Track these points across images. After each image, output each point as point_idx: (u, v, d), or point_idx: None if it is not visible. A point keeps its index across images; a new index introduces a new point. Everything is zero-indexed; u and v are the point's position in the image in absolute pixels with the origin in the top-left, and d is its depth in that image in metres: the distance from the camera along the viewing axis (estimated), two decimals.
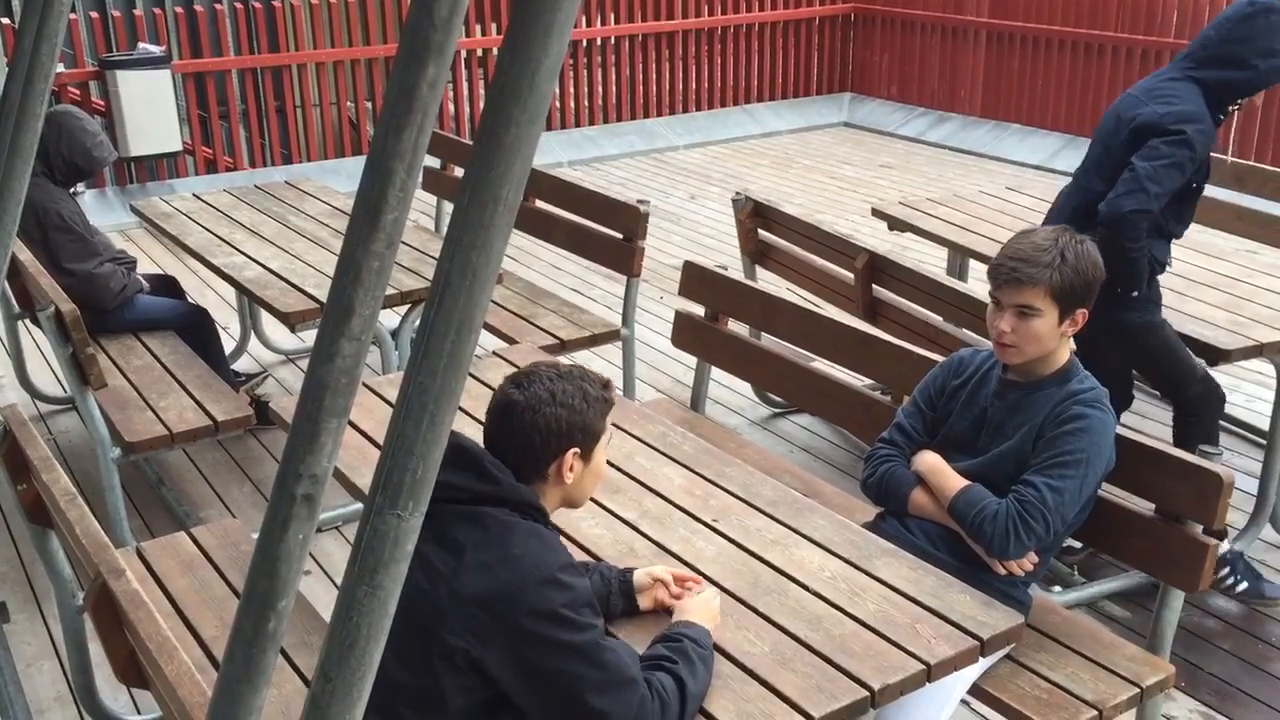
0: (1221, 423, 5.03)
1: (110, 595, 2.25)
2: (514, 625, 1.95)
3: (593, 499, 2.72)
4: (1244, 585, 3.71)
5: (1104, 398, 2.71)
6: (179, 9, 8.52)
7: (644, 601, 2.32)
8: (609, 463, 2.90)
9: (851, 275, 4.43)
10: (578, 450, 2.14)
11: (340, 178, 8.39)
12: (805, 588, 2.39)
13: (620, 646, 2.04)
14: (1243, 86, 3.64)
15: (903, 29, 10.71)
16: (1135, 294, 3.68)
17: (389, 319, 4.49)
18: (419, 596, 1.95)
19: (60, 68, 7.48)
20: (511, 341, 4.49)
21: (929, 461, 2.82)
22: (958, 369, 2.92)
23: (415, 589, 1.88)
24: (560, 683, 1.97)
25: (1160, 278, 3.81)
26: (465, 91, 9.49)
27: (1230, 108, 3.70)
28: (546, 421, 2.09)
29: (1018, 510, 2.62)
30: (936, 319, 4.06)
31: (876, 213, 5.39)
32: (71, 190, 4.63)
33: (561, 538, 2.56)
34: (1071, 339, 2.79)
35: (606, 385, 2.22)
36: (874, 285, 4.37)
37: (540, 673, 1.97)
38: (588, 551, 2.54)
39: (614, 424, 2.85)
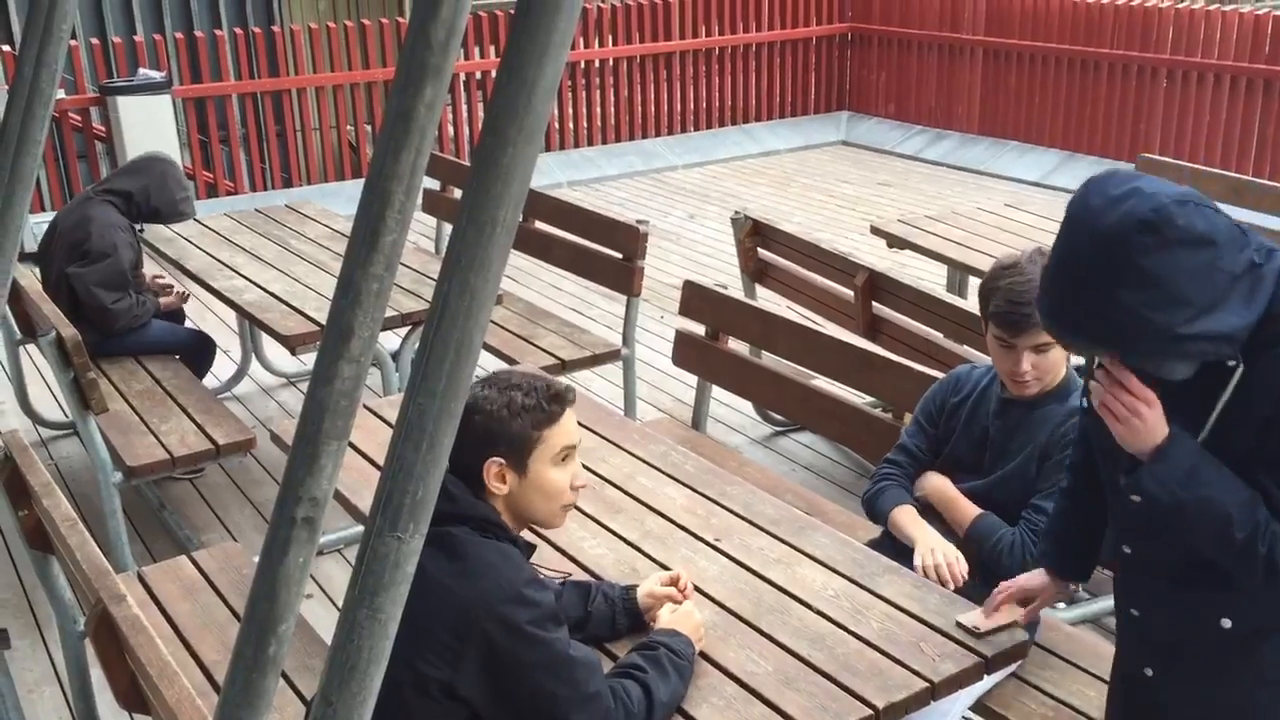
0: None
1: (111, 621, 2.25)
2: (481, 645, 1.93)
3: (594, 519, 2.72)
4: None
5: None
6: (179, 34, 8.56)
7: (652, 619, 2.30)
8: (610, 483, 2.89)
9: (851, 293, 4.43)
10: (501, 460, 2.07)
11: (340, 200, 8.40)
12: (808, 606, 2.38)
13: (586, 657, 2.03)
14: None
15: (899, 47, 10.74)
16: None
17: (389, 341, 4.50)
18: None
19: (61, 94, 7.50)
20: (512, 362, 4.49)
21: (936, 485, 2.82)
22: (955, 386, 2.91)
23: None
24: (533, 702, 1.96)
25: None
26: (464, 113, 9.52)
27: None
28: (465, 428, 2.00)
29: (1033, 541, 2.63)
30: (937, 335, 4.06)
31: (875, 230, 5.40)
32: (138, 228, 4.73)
33: (569, 562, 2.57)
34: None
35: (553, 398, 2.11)
36: (874, 303, 4.37)
37: (511, 693, 1.96)
38: (590, 572, 2.53)
39: (617, 444, 2.83)
